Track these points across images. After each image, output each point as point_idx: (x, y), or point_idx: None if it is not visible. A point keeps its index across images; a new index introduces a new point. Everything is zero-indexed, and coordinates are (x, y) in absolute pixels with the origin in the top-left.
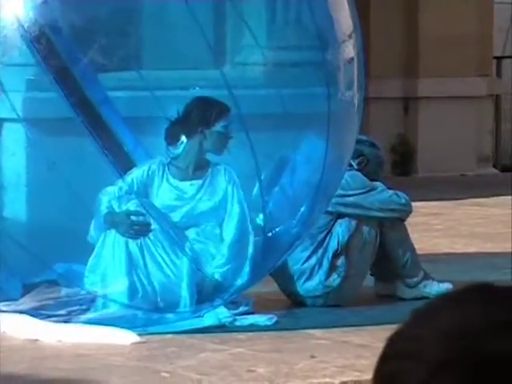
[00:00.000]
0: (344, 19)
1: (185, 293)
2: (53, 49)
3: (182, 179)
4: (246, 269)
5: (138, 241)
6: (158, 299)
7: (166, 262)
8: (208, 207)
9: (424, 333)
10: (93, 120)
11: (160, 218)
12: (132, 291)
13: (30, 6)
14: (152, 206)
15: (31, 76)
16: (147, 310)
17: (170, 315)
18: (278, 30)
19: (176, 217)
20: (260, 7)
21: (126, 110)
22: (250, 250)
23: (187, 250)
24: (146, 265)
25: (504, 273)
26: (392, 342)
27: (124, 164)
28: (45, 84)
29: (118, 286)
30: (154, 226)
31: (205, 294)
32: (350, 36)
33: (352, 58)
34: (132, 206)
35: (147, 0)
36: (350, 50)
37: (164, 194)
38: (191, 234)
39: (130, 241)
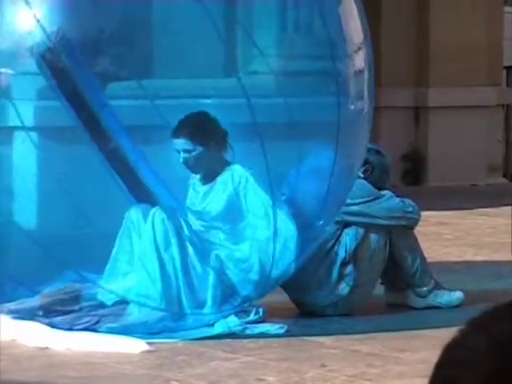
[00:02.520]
0: (355, 29)
1: (209, 294)
2: (61, 61)
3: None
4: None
5: (167, 243)
6: (183, 301)
7: (192, 266)
8: (217, 211)
9: (478, 342)
10: (94, 128)
11: (187, 223)
12: (161, 295)
13: (38, 15)
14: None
15: (42, 85)
16: (171, 314)
17: (191, 319)
18: (289, 39)
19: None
20: (271, 16)
21: (134, 119)
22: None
23: (212, 256)
24: (175, 267)
25: None
26: (447, 350)
27: (127, 173)
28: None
29: (145, 290)
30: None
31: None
32: (360, 46)
33: (362, 68)
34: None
35: (157, 8)
36: (360, 59)
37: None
38: (213, 237)
39: (160, 244)
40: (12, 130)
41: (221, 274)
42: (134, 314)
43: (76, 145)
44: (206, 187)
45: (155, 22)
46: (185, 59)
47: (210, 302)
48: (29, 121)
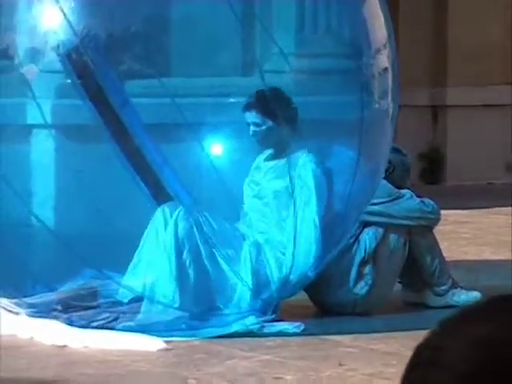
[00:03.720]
0: (379, 28)
1: (230, 295)
2: (85, 59)
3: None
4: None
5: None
6: (201, 301)
7: (211, 266)
8: (272, 190)
9: (452, 343)
10: (115, 127)
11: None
12: (181, 293)
13: (61, 14)
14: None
15: (62, 82)
16: (192, 313)
17: (209, 318)
18: (312, 37)
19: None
20: (294, 15)
21: (154, 117)
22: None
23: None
24: (194, 267)
25: None
26: (420, 351)
27: (147, 172)
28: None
29: (165, 288)
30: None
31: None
32: (384, 45)
33: (386, 68)
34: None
35: (178, 6)
36: (384, 59)
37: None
38: (255, 221)
39: (180, 241)
40: (32, 127)
41: (246, 270)
42: (149, 312)
43: (97, 143)
44: (270, 163)
45: (176, 20)
46: (206, 57)
47: (229, 303)
48: (49, 119)
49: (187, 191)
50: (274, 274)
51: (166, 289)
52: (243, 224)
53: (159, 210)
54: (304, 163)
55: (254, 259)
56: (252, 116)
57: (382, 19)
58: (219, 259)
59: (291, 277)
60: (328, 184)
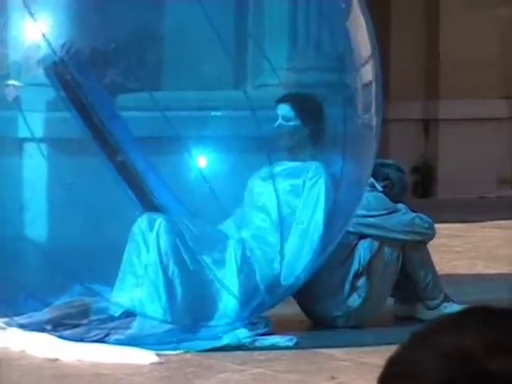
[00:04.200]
0: (363, 42)
1: (217, 306)
2: (68, 73)
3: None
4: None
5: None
6: (190, 313)
7: (198, 276)
8: (283, 190)
9: (423, 355)
10: (103, 139)
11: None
12: (167, 307)
13: (44, 28)
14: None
15: (51, 96)
16: (183, 326)
17: (200, 330)
18: (298, 52)
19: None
20: (280, 29)
21: (144, 130)
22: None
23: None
24: (180, 278)
25: None
26: (391, 364)
27: (136, 184)
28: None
29: (154, 303)
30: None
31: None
32: (368, 59)
33: (370, 81)
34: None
35: (167, 20)
36: (368, 72)
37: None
38: (249, 217)
39: (164, 254)
40: (21, 141)
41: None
42: (140, 326)
43: (86, 156)
44: (288, 164)
45: (165, 33)
46: (195, 71)
47: (218, 313)
48: (38, 132)
49: (179, 203)
50: (263, 275)
51: (155, 303)
52: (229, 222)
53: (139, 221)
54: (316, 172)
55: (239, 257)
56: (285, 109)
57: (366, 32)
58: (205, 268)
59: (281, 280)
60: (333, 195)
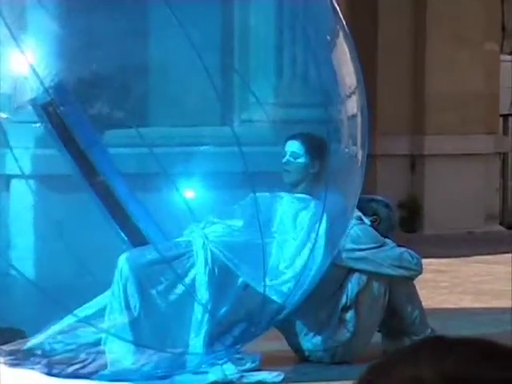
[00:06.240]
0: (348, 75)
1: (196, 333)
2: (55, 107)
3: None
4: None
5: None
6: (172, 339)
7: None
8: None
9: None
10: (89, 172)
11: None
12: (138, 328)
13: (32, 59)
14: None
15: (40, 133)
16: (156, 350)
17: (185, 361)
18: (282, 86)
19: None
20: (265, 64)
21: (131, 166)
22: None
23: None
24: (157, 305)
25: (510, 329)
26: None
27: (124, 220)
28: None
29: (124, 323)
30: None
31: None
32: (353, 92)
33: (355, 114)
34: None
35: (153, 56)
36: (353, 105)
37: None
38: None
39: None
40: (9, 177)
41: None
42: (114, 352)
43: (75, 193)
44: (289, 196)
45: (153, 69)
46: (181, 107)
47: (199, 340)
48: (26, 169)
49: (164, 235)
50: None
51: (129, 327)
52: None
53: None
54: (316, 209)
55: (210, 261)
56: (294, 145)
57: (351, 65)
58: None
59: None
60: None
